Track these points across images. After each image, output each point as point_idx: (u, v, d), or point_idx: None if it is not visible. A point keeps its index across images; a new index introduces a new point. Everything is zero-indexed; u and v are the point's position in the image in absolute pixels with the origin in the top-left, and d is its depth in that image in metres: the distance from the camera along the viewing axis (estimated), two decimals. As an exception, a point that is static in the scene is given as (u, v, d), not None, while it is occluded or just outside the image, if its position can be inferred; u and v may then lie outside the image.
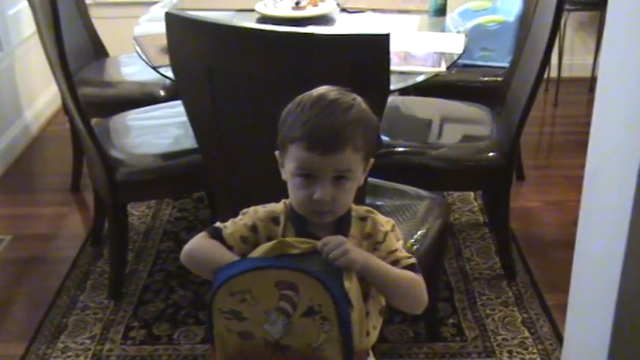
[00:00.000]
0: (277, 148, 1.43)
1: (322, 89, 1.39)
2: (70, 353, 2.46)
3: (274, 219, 1.45)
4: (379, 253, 1.43)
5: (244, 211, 1.48)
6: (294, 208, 1.43)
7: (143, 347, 2.48)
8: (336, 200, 1.37)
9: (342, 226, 1.43)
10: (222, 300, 1.34)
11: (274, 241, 1.37)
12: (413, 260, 1.45)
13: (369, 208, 1.49)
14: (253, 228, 1.44)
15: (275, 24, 1.97)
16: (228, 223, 1.46)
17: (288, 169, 1.40)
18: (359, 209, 1.47)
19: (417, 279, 1.44)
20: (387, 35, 1.70)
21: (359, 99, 1.40)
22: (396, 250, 1.45)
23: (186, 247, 1.45)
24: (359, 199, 1.99)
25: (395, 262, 1.43)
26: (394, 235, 1.47)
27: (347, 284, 1.33)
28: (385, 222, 1.47)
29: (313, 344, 1.32)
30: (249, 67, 1.79)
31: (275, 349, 1.33)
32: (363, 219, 1.46)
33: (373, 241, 1.44)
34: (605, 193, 1.58)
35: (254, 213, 1.46)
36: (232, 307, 1.33)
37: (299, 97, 1.39)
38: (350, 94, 1.39)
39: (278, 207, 1.47)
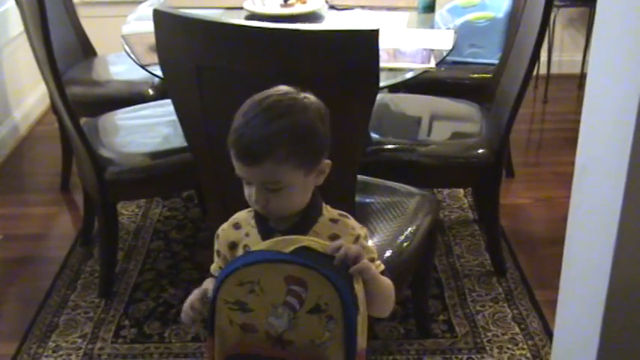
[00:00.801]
0: None
1: (270, 92, 1.39)
2: (61, 352, 2.45)
3: (235, 225, 1.49)
4: None
5: None
6: None
7: (134, 346, 2.48)
8: (274, 204, 1.39)
9: (304, 221, 1.44)
10: (229, 290, 1.34)
11: (277, 238, 1.38)
12: (383, 267, 1.48)
13: (344, 213, 1.49)
14: (217, 236, 1.50)
15: (263, 21, 1.97)
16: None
17: None
18: (333, 212, 1.48)
19: (392, 285, 1.48)
20: (377, 31, 1.70)
21: (301, 104, 1.38)
22: (373, 259, 1.46)
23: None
24: (349, 197, 2.00)
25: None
26: (365, 242, 1.48)
27: (356, 286, 1.35)
28: (359, 227, 1.48)
29: (316, 341, 1.32)
30: (238, 65, 1.79)
31: (275, 343, 1.33)
32: (334, 220, 1.46)
33: None
34: (594, 188, 1.59)
35: (220, 228, 1.51)
36: (239, 297, 1.33)
37: (250, 98, 1.40)
38: (293, 99, 1.38)
39: (241, 214, 1.50)
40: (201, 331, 2.50)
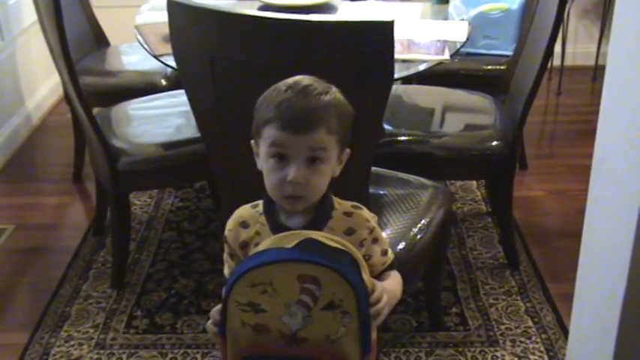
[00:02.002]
0: (252, 136, 1.44)
1: (298, 77, 1.40)
2: (73, 342, 2.46)
3: (241, 223, 1.48)
4: (366, 250, 1.45)
5: None
6: (267, 201, 1.45)
7: (146, 336, 2.48)
8: (310, 183, 1.37)
9: (318, 217, 1.43)
10: (241, 292, 1.34)
11: (281, 234, 1.38)
12: (392, 257, 1.51)
13: (356, 204, 1.49)
14: (225, 239, 1.49)
15: (277, 12, 1.96)
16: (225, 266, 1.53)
17: (262, 153, 1.40)
18: (345, 204, 1.47)
19: (401, 280, 1.51)
20: (392, 22, 1.68)
21: (335, 88, 1.41)
22: (386, 252, 1.49)
23: None
24: (362, 189, 1.99)
25: (384, 262, 1.50)
26: (379, 231, 1.49)
27: (365, 277, 1.36)
28: (371, 217, 1.48)
29: (331, 337, 1.33)
30: (252, 55, 1.78)
31: (289, 342, 1.33)
32: (348, 214, 1.46)
33: (358, 238, 1.44)
34: (613, 181, 1.57)
35: (226, 228, 1.50)
36: (251, 298, 1.33)
37: (274, 85, 1.40)
38: (325, 83, 1.40)
39: (245, 211, 1.49)
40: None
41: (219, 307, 1.40)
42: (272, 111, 1.35)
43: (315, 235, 1.36)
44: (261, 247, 1.38)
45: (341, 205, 1.46)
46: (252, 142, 1.44)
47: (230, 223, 1.50)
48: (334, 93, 1.39)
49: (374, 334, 1.40)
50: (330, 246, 1.35)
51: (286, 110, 1.34)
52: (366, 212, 1.47)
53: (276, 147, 1.36)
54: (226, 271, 1.52)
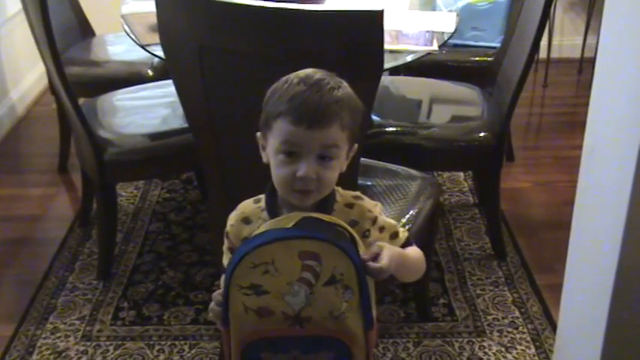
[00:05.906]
0: (259, 129, 1.41)
1: (309, 70, 1.38)
2: (59, 334, 2.44)
3: (244, 219, 1.45)
4: (374, 240, 1.43)
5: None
6: (269, 196, 1.43)
7: (133, 328, 2.47)
8: (321, 178, 1.35)
9: (320, 212, 1.40)
10: (243, 274, 1.32)
11: (279, 217, 1.37)
12: (407, 234, 1.50)
13: (357, 194, 1.47)
14: (226, 234, 1.47)
15: (267, 1, 1.95)
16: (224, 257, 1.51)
17: (271, 147, 1.37)
18: (346, 195, 1.45)
19: (421, 253, 1.49)
20: (381, 11, 1.68)
21: (345, 83, 1.39)
22: (397, 233, 1.47)
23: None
24: (351, 180, 1.98)
25: (396, 241, 1.47)
26: (384, 218, 1.47)
27: (362, 255, 1.35)
28: (373, 206, 1.46)
29: (335, 313, 1.31)
30: (241, 45, 1.77)
31: (293, 323, 1.32)
32: (349, 205, 1.44)
33: (360, 229, 1.42)
34: (603, 170, 1.57)
35: (228, 223, 1.48)
36: (253, 280, 1.31)
37: (285, 77, 1.38)
38: (336, 77, 1.38)
39: (248, 206, 1.47)
40: (202, 315, 2.50)
41: (221, 290, 1.38)
42: (284, 104, 1.32)
43: (312, 214, 1.35)
44: (260, 230, 1.37)
45: (342, 196, 1.45)
46: (259, 134, 1.41)
47: (232, 218, 1.47)
48: (346, 87, 1.37)
49: (375, 311, 1.39)
50: (328, 222, 1.34)
51: (300, 104, 1.31)
52: (367, 202, 1.46)
53: (287, 144, 1.33)
54: (225, 262, 1.50)
